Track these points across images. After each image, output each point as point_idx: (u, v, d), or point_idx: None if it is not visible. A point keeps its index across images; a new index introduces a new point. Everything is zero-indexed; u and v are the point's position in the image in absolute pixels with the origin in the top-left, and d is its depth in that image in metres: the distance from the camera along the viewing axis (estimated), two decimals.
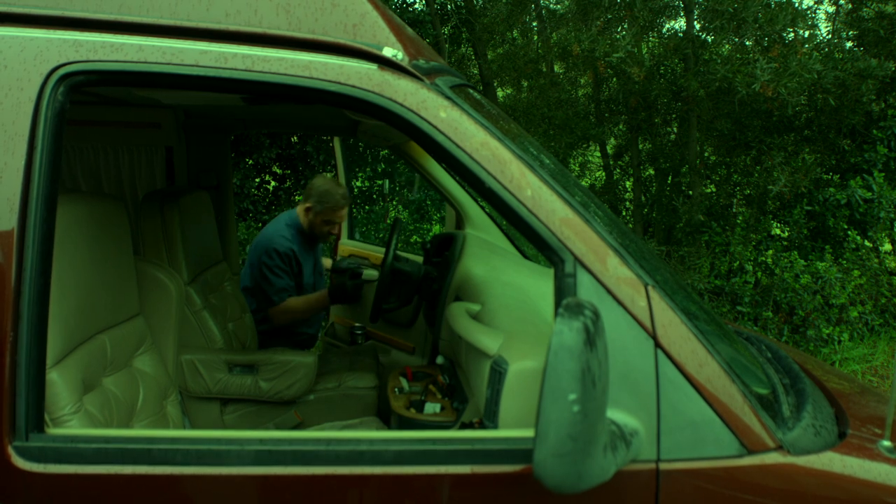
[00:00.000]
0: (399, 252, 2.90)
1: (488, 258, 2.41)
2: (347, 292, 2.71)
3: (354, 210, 6.17)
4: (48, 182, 1.06)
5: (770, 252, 5.10)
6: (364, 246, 3.61)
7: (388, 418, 2.24)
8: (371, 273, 3.30)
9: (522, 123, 5.95)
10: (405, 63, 1.13)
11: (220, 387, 2.29)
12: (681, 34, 5.33)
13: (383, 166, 5.98)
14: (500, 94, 7.42)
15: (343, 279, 2.73)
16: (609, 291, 1.06)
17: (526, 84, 6.78)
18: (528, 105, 6.14)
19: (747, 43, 4.95)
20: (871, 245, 5.22)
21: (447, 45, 6.38)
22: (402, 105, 1.09)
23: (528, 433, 1.07)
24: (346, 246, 3.63)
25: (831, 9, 5.58)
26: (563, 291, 1.06)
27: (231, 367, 2.31)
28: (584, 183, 7.35)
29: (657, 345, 1.06)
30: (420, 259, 3.03)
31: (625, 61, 4.61)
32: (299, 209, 2.89)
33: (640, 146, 6.10)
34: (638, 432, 1.05)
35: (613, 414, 1.05)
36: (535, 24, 6.76)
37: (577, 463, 0.86)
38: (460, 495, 1.06)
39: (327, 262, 3.37)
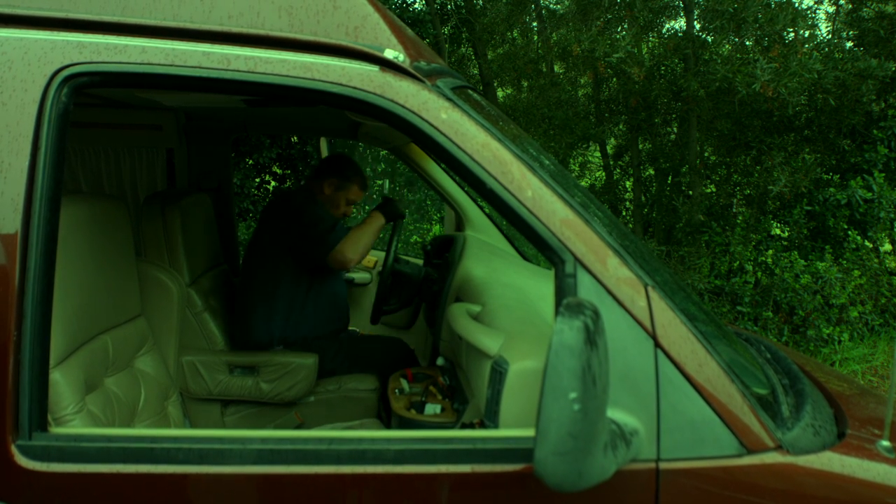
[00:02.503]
0: (400, 256, 2.89)
1: (488, 260, 2.41)
2: (395, 204, 2.57)
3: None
4: (52, 183, 1.07)
5: (770, 252, 5.10)
6: None
7: (388, 420, 2.25)
8: (363, 276, 3.26)
9: (522, 123, 5.95)
10: (406, 65, 1.14)
11: (220, 388, 2.29)
12: (681, 34, 5.33)
13: (383, 166, 5.98)
14: (500, 94, 7.43)
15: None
16: (609, 292, 1.07)
17: (526, 84, 6.79)
18: (528, 105, 6.14)
19: (747, 43, 4.96)
20: (871, 245, 5.23)
21: (447, 45, 6.39)
22: (403, 106, 1.10)
23: (529, 432, 1.07)
24: None
25: (831, 9, 5.59)
26: (564, 291, 1.07)
27: (232, 368, 2.31)
28: (584, 183, 7.35)
29: (657, 345, 1.07)
30: (420, 261, 3.03)
31: (625, 61, 4.61)
32: (315, 186, 2.64)
33: (640, 146, 6.11)
34: (638, 432, 1.05)
35: (614, 413, 1.05)
36: (535, 24, 6.77)
37: (577, 461, 0.87)
38: (461, 494, 1.07)
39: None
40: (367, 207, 6.19)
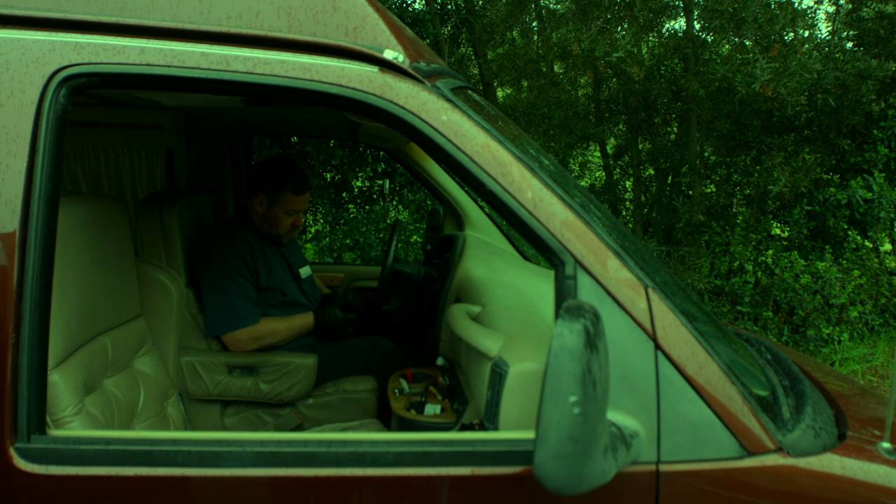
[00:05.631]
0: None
1: (488, 260, 2.41)
2: (332, 324, 2.40)
3: (354, 210, 6.17)
4: (50, 184, 1.07)
5: (770, 252, 5.10)
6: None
7: (388, 420, 2.24)
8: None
9: (522, 123, 5.95)
10: (406, 65, 1.14)
11: (220, 389, 2.29)
12: (681, 34, 5.33)
13: (383, 166, 5.97)
14: (500, 94, 7.42)
15: (333, 310, 2.41)
16: (609, 293, 1.07)
17: (526, 84, 6.78)
18: (528, 105, 6.13)
19: (747, 43, 4.95)
20: (871, 245, 5.22)
21: (447, 45, 6.38)
22: (403, 108, 1.10)
23: (529, 435, 1.07)
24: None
25: (831, 9, 5.58)
26: (564, 293, 1.06)
27: (231, 369, 2.31)
28: (584, 183, 7.35)
29: (657, 347, 1.06)
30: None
31: (624, 61, 4.61)
32: (249, 207, 2.42)
33: (640, 146, 6.10)
34: (638, 434, 1.05)
35: (614, 416, 1.05)
36: (535, 24, 6.76)
37: (577, 465, 0.87)
38: (461, 497, 1.06)
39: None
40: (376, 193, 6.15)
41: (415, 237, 6.30)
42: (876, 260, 5.15)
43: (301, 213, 2.43)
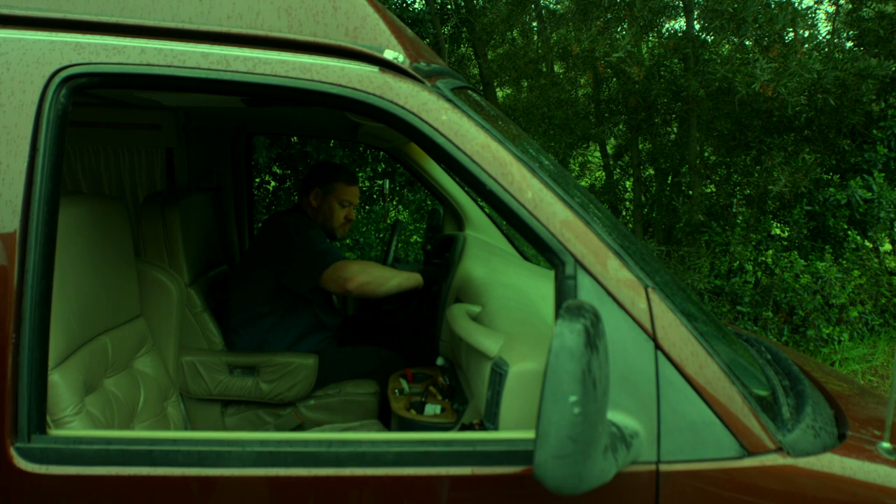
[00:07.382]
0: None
1: (488, 260, 2.41)
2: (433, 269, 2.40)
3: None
4: (50, 184, 1.07)
5: (770, 252, 5.10)
6: None
7: (388, 421, 2.24)
8: None
9: (522, 123, 5.95)
10: (406, 66, 1.14)
11: (220, 388, 2.29)
12: (681, 34, 5.33)
13: (383, 166, 5.97)
14: (500, 94, 7.42)
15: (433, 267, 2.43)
16: (609, 293, 1.07)
17: (526, 84, 6.78)
18: (528, 105, 6.13)
19: (747, 43, 4.95)
20: (871, 245, 5.23)
21: (447, 45, 6.38)
22: (403, 108, 1.10)
23: (529, 435, 1.07)
24: None
25: (831, 9, 5.58)
26: (564, 294, 1.06)
27: (231, 368, 2.31)
28: (583, 183, 7.34)
29: (657, 347, 1.06)
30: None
31: (624, 61, 4.61)
32: (304, 204, 2.54)
33: (640, 146, 6.10)
34: (638, 434, 1.05)
35: (614, 416, 1.05)
36: (535, 24, 6.76)
37: (577, 464, 0.87)
38: (461, 496, 1.06)
39: None
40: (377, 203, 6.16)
41: (415, 237, 6.30)
42: (876, 260, 5.15)
43: (353, 207, 2.56)
